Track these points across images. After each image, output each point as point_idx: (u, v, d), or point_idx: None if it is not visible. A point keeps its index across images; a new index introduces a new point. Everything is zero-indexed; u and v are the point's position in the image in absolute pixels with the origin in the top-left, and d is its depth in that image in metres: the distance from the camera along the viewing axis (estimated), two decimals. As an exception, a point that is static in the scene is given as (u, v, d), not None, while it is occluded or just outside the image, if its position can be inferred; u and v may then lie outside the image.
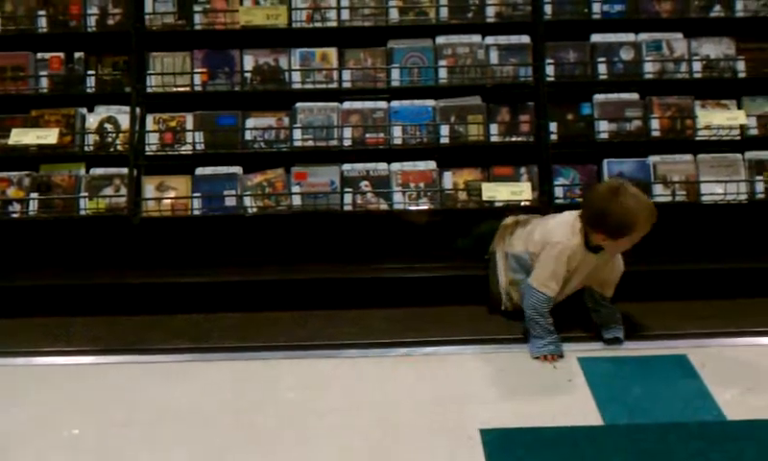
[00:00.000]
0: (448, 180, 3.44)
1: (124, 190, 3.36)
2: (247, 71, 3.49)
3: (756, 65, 3.51)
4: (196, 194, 3.40)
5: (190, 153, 3.47)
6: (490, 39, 3.52)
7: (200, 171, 3.45)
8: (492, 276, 3.29)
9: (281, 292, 3.42)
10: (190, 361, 3.04)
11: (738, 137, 3.44)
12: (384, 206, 3.41)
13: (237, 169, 3.44)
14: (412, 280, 3.44)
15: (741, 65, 3.50)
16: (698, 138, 3.44)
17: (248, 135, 3.45)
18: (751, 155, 3.45)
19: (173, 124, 3.48)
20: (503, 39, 3.51)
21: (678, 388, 2.79)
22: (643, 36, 3.51)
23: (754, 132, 3.45)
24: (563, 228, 3.03)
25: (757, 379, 2.81)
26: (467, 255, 3.41)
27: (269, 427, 2.61)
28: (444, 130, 3.45)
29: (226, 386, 2.84)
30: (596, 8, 3.50)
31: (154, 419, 2.66)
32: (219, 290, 3.42)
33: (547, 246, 3.02)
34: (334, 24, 3.49)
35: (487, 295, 3.32)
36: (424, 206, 3.42)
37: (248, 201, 3.39)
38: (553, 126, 3.43)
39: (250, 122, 3.46)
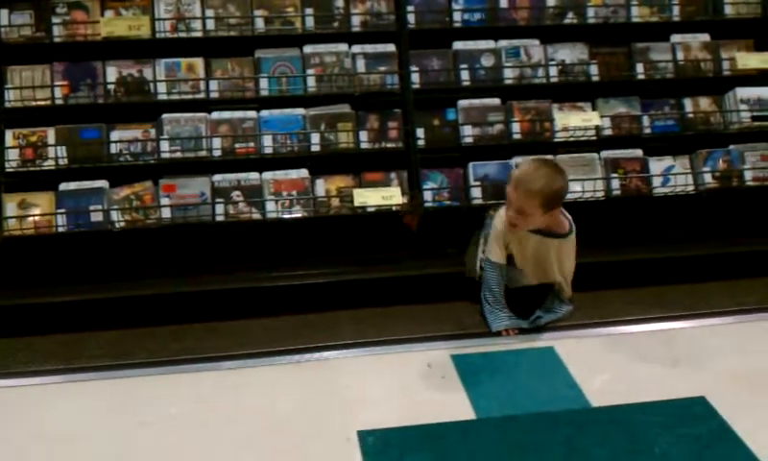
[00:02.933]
0: (321, 187, 3.47)
1: (-17, 210, 3.23)
2: (110, 83, 3.42)
3: (609, 69, 3.72)
4: (60, 210, 3.31)
5: (53, 168, 3.37)
6: (356, 48, 3.58)
7: (64, 186, 3.35)
8: (471, 246, 3.38)
9: (156, 307, 3.36)
10: (62, 383, 2.94)
11: (594, 138, 3.62)
12: (257, 216, 3.41)
13: (103, 183, 3.37)
14: (290, 288, 3.44)
15: (594, 69, 3.70)
16: (556, 140, 3.61)
17: (113, 148, 3.38)
18: (606, 154, 3.63)
19: (34, 139, 3.37)
20: (369, 48, 3.58)
21: (546, 379, 2.90)
22: (503, 44, 3.66)
23: (608, 132, 3.65)
24: (500, 212, 3.17)
25: (618, 367, 2.96)
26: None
27: (148, 445, 2.55)
28: (315, 138, 3.49)
29: (101, 406, 2.77)
30: (457, 16, 3.63)
31: (26, 444, 2.56)
32: (90, 308, 3.32)
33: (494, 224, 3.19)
34: (199, 34, 3.48)
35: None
36: (297, 213, 3.43)
37: (115, 215, 3.33)
38: (420, 132, 3.52)
39: (115, 135, 3.40)
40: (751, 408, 2.64)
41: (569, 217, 3.18)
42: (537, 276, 3.24)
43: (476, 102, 3.61)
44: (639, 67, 3.71)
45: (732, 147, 3.70)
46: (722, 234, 3.57)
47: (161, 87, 3.45)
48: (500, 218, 3.16)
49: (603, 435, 2.54)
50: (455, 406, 2.72)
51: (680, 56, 3.74)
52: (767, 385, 2.79)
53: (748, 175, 3.65)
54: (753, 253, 3.60)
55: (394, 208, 3.40)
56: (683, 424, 2.57)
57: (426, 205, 3.45)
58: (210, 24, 3.48)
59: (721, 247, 3.52)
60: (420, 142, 3.52)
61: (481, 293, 3.21)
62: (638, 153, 3.64)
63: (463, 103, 3.60)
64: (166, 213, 3.35)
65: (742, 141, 3.71)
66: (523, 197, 2.99)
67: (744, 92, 3.71)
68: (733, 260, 3.57)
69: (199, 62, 3.48)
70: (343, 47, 3.56)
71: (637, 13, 3.73)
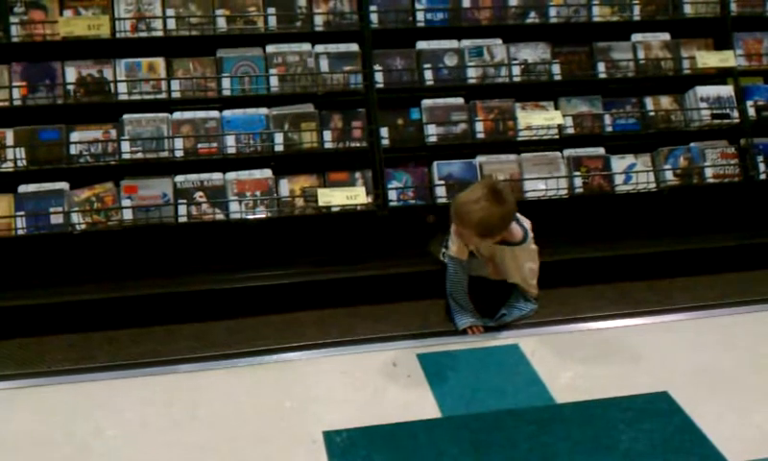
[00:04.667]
0: (285, 187, 3.45)
1: (-61, 213, 3.17)
2: (69, 83, 3.37)
3: (571, 68, 3.74)
4: (20, 213, 3.26)
5: (12, 170, 3.31)
6: (319, 48, 3.56)
7: (23, 189, 3.30)
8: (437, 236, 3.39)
9: (117, 310, 3.32)
10: (20, 387, 2.89)
11: (557, 136, 3.65)
12: (220, 217, 3.38)
13: (63, 185, 3.32)
14: (253, 289, 3.42)
15: (556, 68, 3.72)
16: (520, 138, 3.62)
17: (73, 150, 3.33)
18: (569, 152, 3.66)
19: (-9, 140, 3.31)
20: (333, 48, 3.57)
21: (511, 376, 2.91)
22: (465, 43, 3.67)
23: (570, 131, 3.68)
24: None
25: (582, 363, 2.98)
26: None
27: (107, 450, 2.52)
28: (279, 137, 3.47)
29: (59, 411, 2.72)
30: (420, 16, 3.63)
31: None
32: (51, 312, 3.27)
33: None
34: (160, 34, 3.44)
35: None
36: (261, 214, 3.41)
37: (76, 217, 3.27)
38: (384, 131, 3.52)
39: (75, 136, 3.35)
40: (712, 402, 2.68)
41: (525, 224, 3.19)
42: (497, 274, 3.25)
43: (440, 101, 3.61)
44: (601, 66, 3.74)
45: (692, 145, 3.74)
46: (683, 231, 3.61)
47: (122, 88, 3.40)
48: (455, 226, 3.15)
49: (567, 431, 2.56)
50: (421, 405, 2.72)
51: (641, 55, 3.78)
52: (727, 379, 2.83)
53: (708, 172, 3.70)
54: (713, 249, 3.65)
55: (358, 208, 3.39)
56: (646, 419, 2.60)
57: (391, 204, 3.45)
58: (171, 23, 3.44)
59: (682, 244, 3.57)
60: (385, 142, 3.52)
61: (446, 290, 3.21)
62: (601, 151, 3.67)
63: (426, 102, 3.60)
64: (128, 215, 3.31)
65: (702, 139, 3.76)
66: (460, 225, 3.01)
67: (704, 91, 3.76)
68: (694, 257, 3.61)
69: (160, 62, 3.44)
70: (306, 47, 3.55)
71: (599, 13, 3.76)
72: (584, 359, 3.02)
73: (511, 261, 3.17)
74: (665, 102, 3.79)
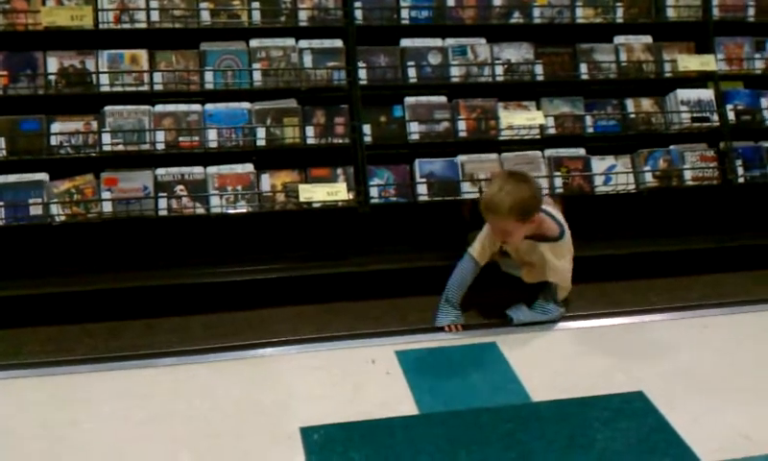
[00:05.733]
0: (266, 182, 3.44)
1: None
2: (51, 74, 3.34)
3: (553, 68, 3.75)
4: (-1, 203, 3.23)
5: (-9, 160, 3.28)
6: (303, 43, 3.55)
7: (2, 179, 3.27)
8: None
9: (96, 303, 3.31)
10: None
11: (538, 136, 3.66)
12: (201, 211, 3.37)
13: (43, 176, 3.29)
14: (232, 284, 3.42)
15: (539, 69, 3.73)
16: (501, 138, 3.63)
17: (53, 141, 3.31)
18: (550, 152, 3.68)
19: (-29, 131, 3.28)
20: (317, 43, 3.56)
21: (488, 374, 2.93)
22: (450, 42, 3.67)
23: (552, 131, 3.69)
24: None
25: (559, 362, 3.01)
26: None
27: (84, 443, 2.51)
28: (261, 132, 3.46)
29: (37, 403, 2.71)
30: (405, 14, 3.63)
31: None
32: (29, 304, 3.26)
33: None
34: (144, 25, 3.42)
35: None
36: (242, 208, 3.40)
37: (55, 209, 3.25)
38: (367, 128, 3.52)
39: (55, 127, 3.32)
40: (686, 402, 2.71)
41: (561, 220, 3.22)
42: (531, 277, 3.27)
43: (423, 99, 3.61)
44: (583, 68, 3.76)
45: (672, 147, 3.77)
46: (662, 233, 3.64)
47: (104, 79, 3.38)
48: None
49: (543, 430, 2.58)
50: (399, 402, 2.74)
51: (623, 57, 3.80)
52: (702, 380, 2.86)
53: (687, 174, 3.73)
54: (691, 251, 3.68)
55: (339, 204, 3.39)
56: (621, 419, 2.62)
57: (372, 201, 3.45)
58: (155, 15, 3.42)
59: (660, 245, 3.60)
60: (367, 138, 3.51)
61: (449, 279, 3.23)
62: (581, 152, 3.69)
63: (410, 100, 3.60)
64: (107, 207, 3.29)
65: (682, 142, 3.79)
66: (498, 220, 3.04)
67: (684, 94, 3.79)
68: (672, 258, 3.65)
69: (142, 54, 3.42)
70: (290, 42, 3.54)
71: (582, 15, 3.77)
72: (561, 358, 3.05)
73: (551, 258, 3.18)
74: (646, 104, 3.81)
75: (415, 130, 3.58)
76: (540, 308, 3.25)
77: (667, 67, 3.83)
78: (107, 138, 3.34)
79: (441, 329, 3.19)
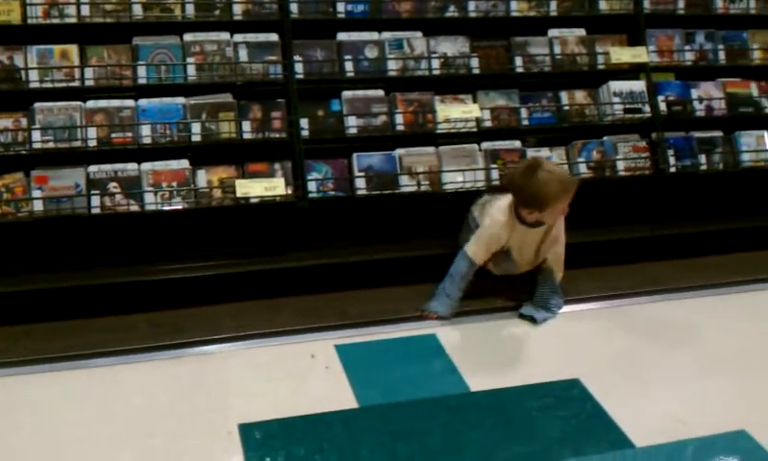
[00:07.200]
0: (202, 178, 3.40)
1: None
2: (-22, 70, 3.26)
3: (489, 62, 3.78)
4: (-77, 204, 3.14)
5: None
6: (238, 37, 3.52)
7: (-73, 179, 3.18)
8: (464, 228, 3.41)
9: (32, 303, 3.24)
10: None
11: (475, 129, 3.69)
12: (135, 208, 3.31)
13: (-29, 175, 3.21)
14: (170, 282, 3.38)
15: (475, 62, 3.76)
16: (439, 131, 3.65)
17: (-19, 139, 3.23)
18: (486, 145, 3.71)
19: None
20: (252, 37, 3.53)
21: (428, 366, 2.95)
22: (386, 35, 3.67)
23: (488, 124, 3.72)
24: (499, 207, 3.23)
25: (497, 352, 3.05)
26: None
27: (21, 445, 2.46)
28: (196, 127, 3.42)
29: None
30: (341, 7, 3.62)
31: None
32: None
33: (485, 222, 3.23)
34: (74, 20, 3.35)
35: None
36: (178, 205, 3.36)
37: (-16, 208, 3.17)
38: (304, 122, 3.51)
39: (-17, 124, 3.24)
40: (622, 390, 2.76)
41: None
42: (531, 262, 3.32)
43: (360, 93, 3.61)
44: (518, 61, 3.80)
45: (605, 138, 3.84)
46: (595, 223, 3.69)
47: (33, 75, 3.31)
48: (498, 222, 3.20)
49: (481, 419, 2.61)
50: (339, 396, 2.74)
51: (557, 50, 3.85)
52: (636, 367, 2.92)
53: (620, 165, 3.80)
54: (624, 240, 3.75)
55: (277, 199, 3.37)
56: (558, 407, 2.67)
57: (311, 195, 3.44)
58: (85, 10, 3.35)
59: (594, 235, 3.65)
60: (305, 133, 3.50)
61: (449, 271, 3.25)
62: (517, 144, 3.73)
63: (347, 94, 3.60)
64: (38, 206, 3.22)
65: (615, 133, 3.86)
66: (547, 208, 3.07)
67: (617, 86, 3.86)
68: (606, 248, 3.71)
69: (73, 49, 3.35)
70: (224, 35, 3.50)
71: (516, 8, 3.81)
72: (498, 348, 3.09)
73: (547, 239, 3.26)
74: (580, 96, 3.87)
75: (352, 124, 3.58)
76: (554, 306, 3.31)
77: (600, 60, 3.90)
78: (36, 136, 3.26)
79: (380, 323, 3.19)
